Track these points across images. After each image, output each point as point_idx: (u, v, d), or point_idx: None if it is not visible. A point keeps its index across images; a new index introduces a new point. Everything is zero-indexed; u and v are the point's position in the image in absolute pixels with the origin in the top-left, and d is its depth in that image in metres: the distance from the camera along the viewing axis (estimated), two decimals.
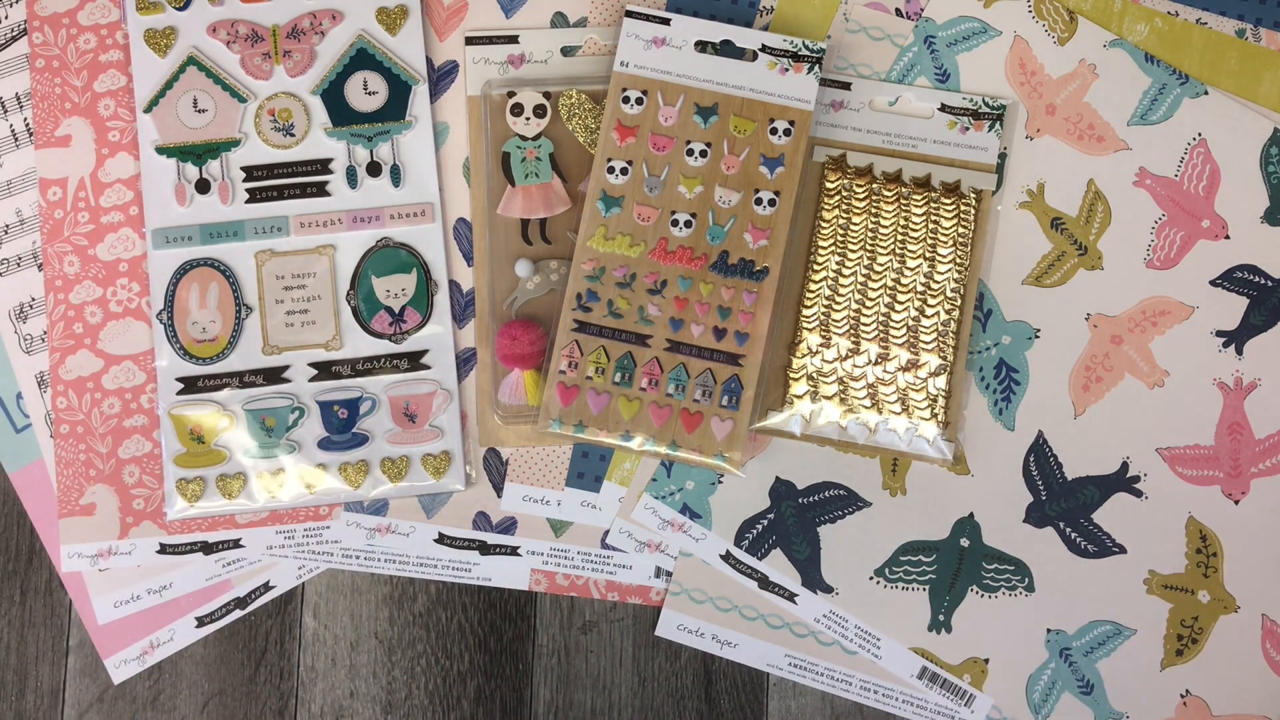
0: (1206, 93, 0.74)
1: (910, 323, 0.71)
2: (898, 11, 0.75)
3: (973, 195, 0.72)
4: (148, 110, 0.73)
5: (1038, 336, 0.73)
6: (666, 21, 0.72)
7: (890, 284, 0.72)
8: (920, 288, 0.72)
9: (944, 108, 0.73)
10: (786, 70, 0.71)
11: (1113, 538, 0.72)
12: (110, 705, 0.74)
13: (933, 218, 0.72)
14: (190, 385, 0.72)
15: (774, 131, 0.71)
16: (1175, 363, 0.73)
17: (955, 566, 0.72)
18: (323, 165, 0.73)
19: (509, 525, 0.74)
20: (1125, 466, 0.73)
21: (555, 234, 0.73)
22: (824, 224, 0.72)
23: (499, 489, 0.73)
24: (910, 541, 0.73)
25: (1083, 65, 0.74)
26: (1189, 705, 0.72)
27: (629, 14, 0.72)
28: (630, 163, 0.71)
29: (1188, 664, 0.72)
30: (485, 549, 0.74)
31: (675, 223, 0.71)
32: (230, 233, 0.72)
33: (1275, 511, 0.72)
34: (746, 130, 0.71)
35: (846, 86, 0.73)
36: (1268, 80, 0.74)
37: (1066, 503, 0.73)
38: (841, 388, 0.71)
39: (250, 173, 0.73)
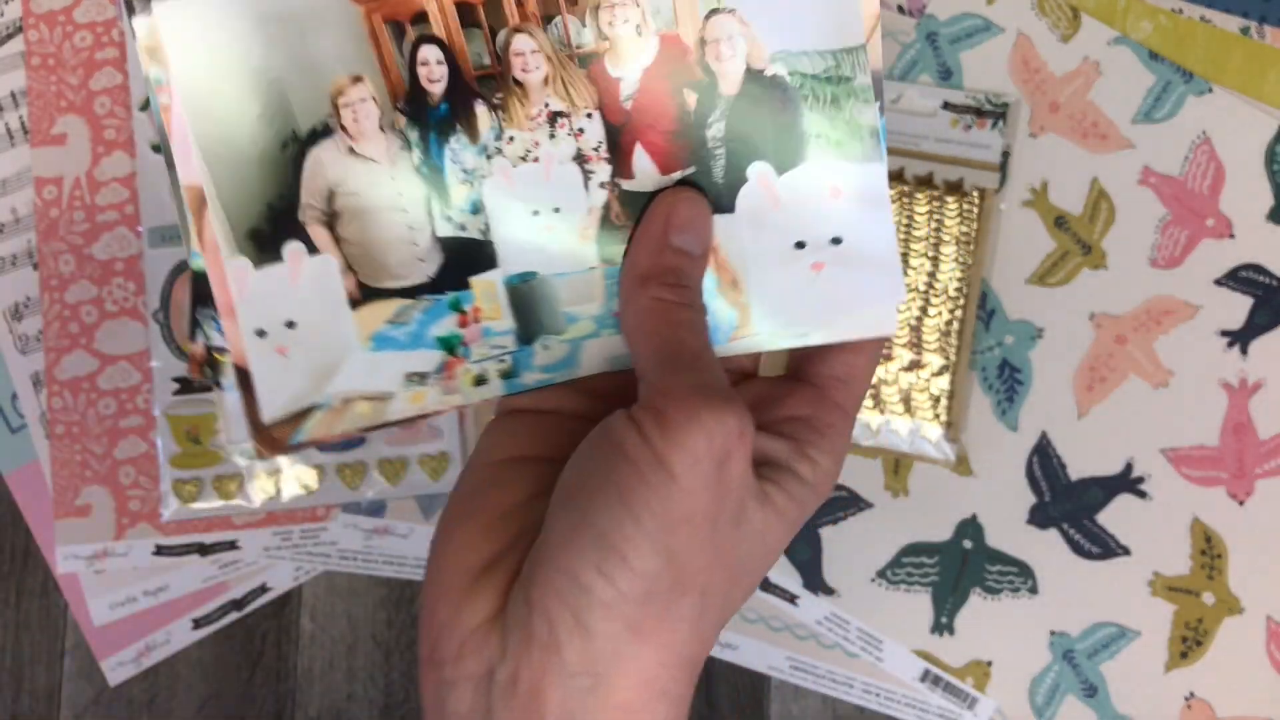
0: (1211, 90, 0.73)
1: (913, 323, 0.71)
2: (900, 9, 0.74)
3: (976, 194, 0.71)
4: (144, 108, 0.72)
5: (1041, 336, 0.72)
6: None
7: None
8: (923, 287, 0.71)
9: (947, 105, 0.72)
10: None
11: (1117, 539, 0.72)
12: (106, 708, 0.73)
13: (935, 216, 0.71)
14: (186, 385, 0.72)
15: None
16: (1180, 363, 0.72)
17: (958, 568, 0.72)
18: None
19: None
20: (1129, 467, 0.72)
21: None
22: None
23: None
24: (913, 543, 0.72)
25: (1086, 63, 0.73)
26: (1193, 708, 0.71)
27: None
28: None
29: (1192, 666, 0.72)
30: None
31: None
32: None
33: None
34: None
35: None
36: (1272, 78, 0.73)
37: (1070, 504, 0.72)
38: None
39: None
